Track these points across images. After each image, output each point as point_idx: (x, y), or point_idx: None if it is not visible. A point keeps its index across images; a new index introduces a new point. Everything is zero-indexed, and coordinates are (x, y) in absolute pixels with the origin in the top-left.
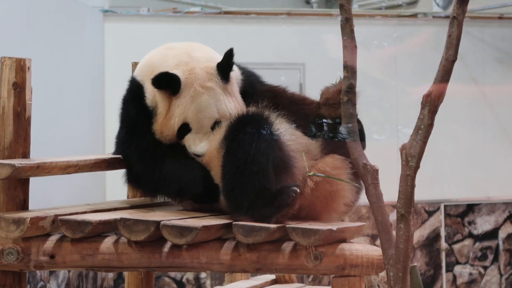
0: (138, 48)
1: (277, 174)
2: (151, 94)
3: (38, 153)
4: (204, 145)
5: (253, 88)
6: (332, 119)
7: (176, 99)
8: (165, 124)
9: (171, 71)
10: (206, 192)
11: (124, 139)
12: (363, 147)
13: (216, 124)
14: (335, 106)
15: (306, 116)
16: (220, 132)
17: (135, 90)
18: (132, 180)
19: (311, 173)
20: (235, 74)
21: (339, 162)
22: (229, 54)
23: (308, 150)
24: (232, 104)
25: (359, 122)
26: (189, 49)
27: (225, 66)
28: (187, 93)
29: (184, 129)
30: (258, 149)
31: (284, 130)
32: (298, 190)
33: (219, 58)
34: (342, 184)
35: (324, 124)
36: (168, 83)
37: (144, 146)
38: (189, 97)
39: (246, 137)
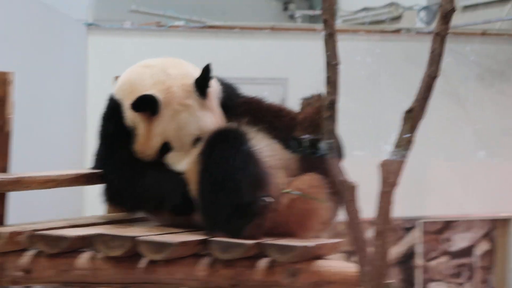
0: (122, 61)
1: (252, 190)
2: (130, 114)
3: (18, 167)
4: (186, 163)
5: (231, 100)
6: (310, 136)
7: (155, 119)
8: (146, 144)
9: (148, 92)
10: (184, 204)
11: (103, 155)
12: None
13: (197, 140)
14: (313, 124)
15: (284, 129)
16: (199, 147)
17: (113, 108)
18: (112, 197)
19: (287, 191)
20: (215, 88)
21: (316, 181)
22: (206, 70)
23: (286, 167)
24: (211, 119)
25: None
26: (165, 66)
27: (202, 83)
28: (166, 112)
29: (165, 148)
30: (233, 166)
31: (263, 145)
32: (269, 200)
33: (195, 73)
34: (318, 203)
35: (303, 140)
36: (147, 105)
37: (123, 161)
38: (168, 116)
39: (221, 153)
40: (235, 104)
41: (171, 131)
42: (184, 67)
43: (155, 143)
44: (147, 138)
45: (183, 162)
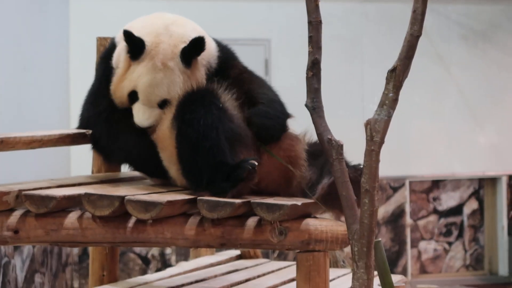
0: (103, 23)
1: (231, 146)
2: (117, 54)
3: (2, 129)
4: (147, 118)
5: (226, 69)
6: None
7: (134, 65)
8: (118, 85)
9: (142, 37)
10: (157, 170)
11: (87, 100)
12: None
13: (164, 103)
14: None
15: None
16: (171, 112)
17: (108, 49)
18: (92, 141)
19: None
20: (209, 54)
21: (292, 135)
22: (195, 42)
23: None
24: (186, 87)
25: None
26: (170, 22)
27: (188, 52)
28: (146, 63)
29: (133, 96)
30: (206, 125)
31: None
32: (256, 164)
33: (197, 35)
34: (297, 151)
35: None
36: (134, 43)
37: (101, 110)
38: (146, 68)
39: (193, 115)
40: (227, 73)
41: (142, 83)
42: (189, 28)
43: (125, 87)
44: (121, 79)
45: (145, 117)
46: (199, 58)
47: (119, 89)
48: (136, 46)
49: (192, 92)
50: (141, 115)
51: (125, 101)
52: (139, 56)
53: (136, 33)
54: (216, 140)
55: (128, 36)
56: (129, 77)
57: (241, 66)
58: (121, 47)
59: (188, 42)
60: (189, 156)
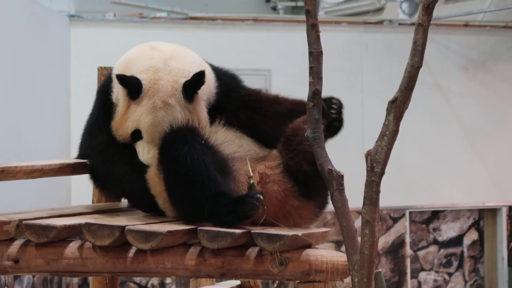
0: (104, 53)
1: (221, 177)
2: (117, 89)
3: (2, 158)
4: (152, 157)
5: (228, 97)
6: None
7: (134, 104)
8: (121, 124)
9: (138, 75)
10: (149, 207)
11: (86, 131)
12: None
13: None
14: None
15: (277, 116)
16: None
17: (106, 81)
18: (90, 172)
19: (251, 180)
20: (208, 86)
21: (278, 160)
22: (197, 77)
23: (254, 156)
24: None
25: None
26: (169, 56)
27: (190, 87)
28: (147, 102)
29: (137, 134)
30: (193, 160)
31: (225, 139)
32: (261, 198)
33: (197, 69)
34: (290, 183)
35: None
36: (130, 85)
37: (97, 143)
38: (147, 107)
39: (177, 152)
40: (232, 100)
41: (144, 123)
42: (188, 61)
43: (128, 127)
44: (123, 118)
45: (150, 155)
46: (199, 91)
47: (121, 128)
48: (133, 88)
49: (171, 132)
50: (146, 153)
51: (127, 138)
52: (138, 96)
53: (135, 68)
54: (206, 172)
55: (123, 79)
56: (131, 117)
57: (246, 88)
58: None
59: (188, 77)
60: (182, 195)
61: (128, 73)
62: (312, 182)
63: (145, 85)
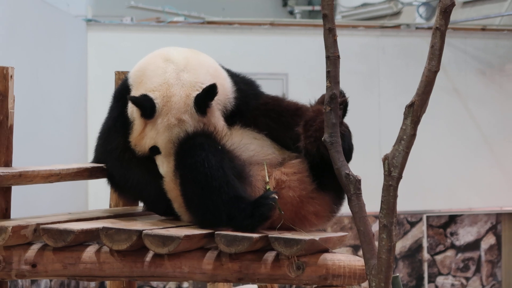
0: (121, 57)
1: (238, 181)
2: (131, 107)
3: (20, 162)
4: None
5: (247, 104)
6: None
7: (150, 122)
8: (139, 140)
9: (152, 93)
10: (165, 211)
11: (102, 135)
12: (349, 157)
13: None
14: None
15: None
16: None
17: (123, 91)
18: (107, 176)
19: (267, 186)
20: (224, 93)
21: (295, 168)
22: (208, 90)
23: (272, 161)
24: None
25: (347, 130)
26: (182, 67)
27: (202, 101)
28: (161, 121)
29: (155, 150)
30: (211, 166)
31: (241, 144)
32: (276, 197)
33: (210, 79)
34: (306, 190)
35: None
36: (144, 107)
37: (113, 148)
38: (162, 125)
39: (194, 159)
40: (251, 108)
41: (161, 140)
42: (201, 73)
43: (146, 143)
44: (140, 136)
45: (169, 169)
46: (213, 102)
47: (140, 144)
48: (146, 109)
49: (188, 139)
50: (166, 167)
51: (146, 153)
52: (152, 116)
53: (148, 85)
54: (224, 177)
55: (136, 102)
56: (148, 135)
57: (264, 94)
58: None
59: (200, 90)
60: (199, 200)
61: (141, 88)
62: (329, 168)
63: (158, 104)
